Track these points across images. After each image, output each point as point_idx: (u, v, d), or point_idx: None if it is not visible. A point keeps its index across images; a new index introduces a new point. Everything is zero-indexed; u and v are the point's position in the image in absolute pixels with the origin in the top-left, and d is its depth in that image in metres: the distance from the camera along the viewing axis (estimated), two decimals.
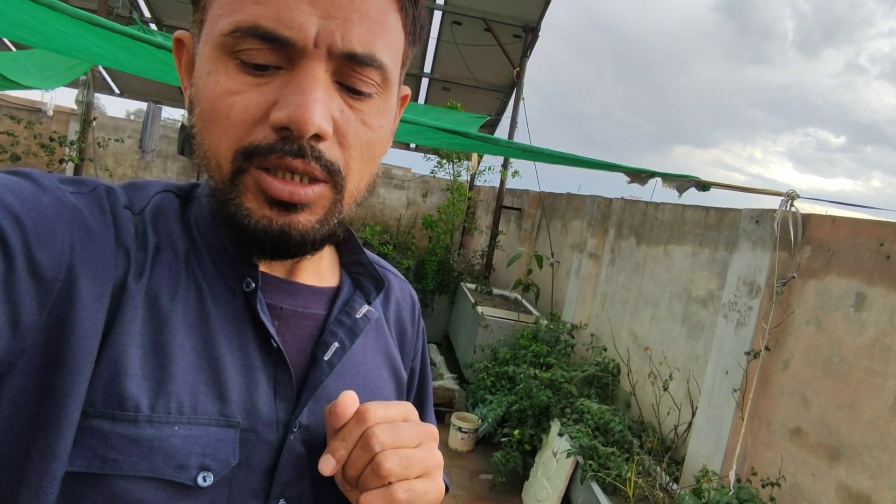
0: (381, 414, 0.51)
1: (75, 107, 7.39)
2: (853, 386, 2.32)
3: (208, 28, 0.49)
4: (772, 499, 2.45)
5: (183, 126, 9.88)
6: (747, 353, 2.72)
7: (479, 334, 5.04)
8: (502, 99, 8.83)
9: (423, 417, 0.74)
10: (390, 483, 0.49)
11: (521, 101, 7.13)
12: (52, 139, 7.20)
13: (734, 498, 2.37)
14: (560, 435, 3.51)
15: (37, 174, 0.49)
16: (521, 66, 7.24)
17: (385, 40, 0.50)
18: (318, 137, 0.48)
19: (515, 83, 7.26)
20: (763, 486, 2.48)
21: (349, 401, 0.50)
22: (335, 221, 0.52)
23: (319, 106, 0.47)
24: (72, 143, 6.92)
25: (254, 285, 0.54)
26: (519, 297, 6.21)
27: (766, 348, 2.70)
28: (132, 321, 0.48)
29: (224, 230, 0.54)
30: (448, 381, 5.05)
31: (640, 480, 2.94)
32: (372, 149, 0.53)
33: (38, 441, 0.43)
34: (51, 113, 9.83)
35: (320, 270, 0.63)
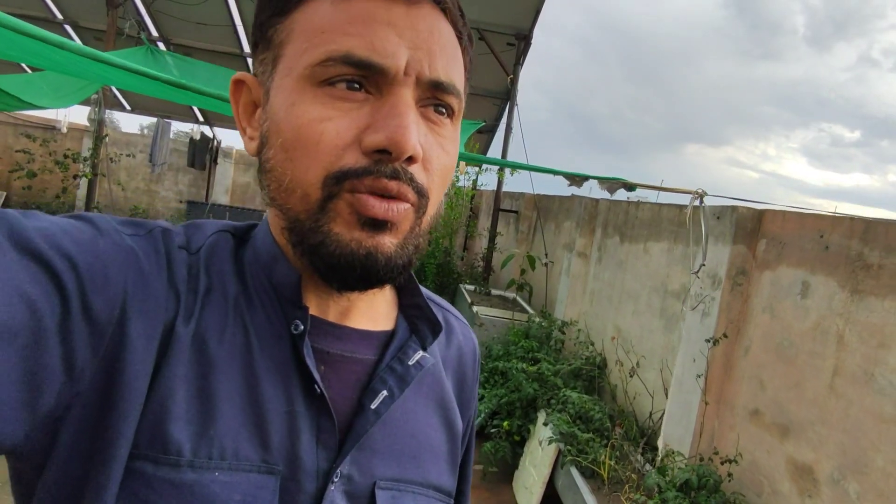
0: None
1: (88, 124, 7.72)
2: (799, 367, 2.50)
3: (288, 63, 0.50)
4: (730, 474, 2.63)
5: (192, 139, 10.20)
6: (707, 341, 2.91)
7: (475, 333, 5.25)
8: (499, 105, 9.04)
9: (463, 479, 0.73)
10: None
11: (516, 108, 7.36)
12: (66, 156, 7.51)
13: (694, 474, 2.55)
14: (545, 424, 3.70)
15: (96, 218, 0.49)
16: (515, 73, 7.45)
17: (458, 73, 0.53)
18: (410, 160, 0.49)
19: (510, 90, 7.49)
20: (722, 464, 2.66)
21: None
22: (412, 247, 0.52)
23: (414, 128, 0.48)
24: (85, 159, 7.23)
25: (302, 328, 0.53)
26: (517, 297, 6.41)
27: (725, 335, 2.89)
28: (179, 364, 0.48)
29: (292, 264, 0.54)
30: None
31: (613, 464, 3.13)
32: (448, 174, 0.55)
33: (90, 483, 0.43)
34: (65, 130, 10.19)
35: (375, 313, 0.61)
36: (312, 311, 0.56)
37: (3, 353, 0.39)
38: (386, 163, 0.48)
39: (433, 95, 0.51)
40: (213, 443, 0.47)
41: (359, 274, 0.50)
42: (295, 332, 0.53)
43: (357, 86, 0.49)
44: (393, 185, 0.48)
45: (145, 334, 0.46)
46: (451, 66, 0.52)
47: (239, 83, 0.57)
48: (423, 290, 0.66)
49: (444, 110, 0.53)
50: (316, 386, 0.52)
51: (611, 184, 2.97)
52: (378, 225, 0.49)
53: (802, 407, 2.45)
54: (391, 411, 0.57)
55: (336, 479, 0.52)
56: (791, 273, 2.64)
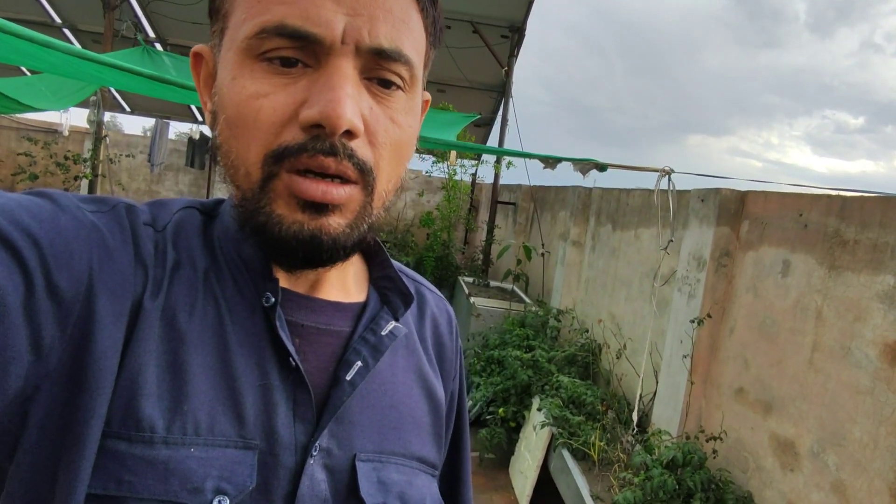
0: None
1: (88, 126, 7.80)
2: (781, 345, 2.54)
3: (230, 35, 0.49)
4: (714, 451, 2.67)
5: (191, 139, 10.27)
6: (692, 321, 2.95)
7: (472, 323, 5.31)
8: (496, 98, 9.08)
9: (458, 462, 0.73)
10: None
11: (511, 100, 7.40)
12: (66, 157, 7.58)
13: (679, 452, 2.60)
14: (539, 410, 3.75)
15: (56, 194, 0.48)
16: (510, 65, 7.49)
17: (410, 38, 0.50)
18: (349, 135, 0.47)
19: (505, 82, 7.53)
20: (707, 441, 2.71)
21: None
22: (365, 226, 0.51)
23: (350, 101, 0.46)
24: (85, 160, 7.30)
25: (273, 300, 0.52)
26: (514, 288, 6.47)
27: (709, 315, 2.93)
28: (149, 340, 0.47)
29: (252, 241, 0.52)
30: None
31: (604, 445, 3.18)
32: (401, 148, 0.52)
33: (63, 463, 0.42)
34: (66, 133, 10.28)
35: (346, 285, 0.61)
36: (283, 283, 0.55)
37: None
38: (323, 139, 0.46)
39: (378, 65, 0.48)
40: (188, 418, 0.46)
41: (302, 256, 0.49)
42: (266, 304, 0.52)
43: (297, 60, 0.47)
44: (330, 162, 0.46)
45: (113, 311, 0.45)
46: (398, 32, 0.49)
47: (197, 56, 0.55)
48: (395, 262, 0.66)
49: (392, 83, 0.50)
50: (291, 359, 0.51)
51: (582, 165, 3.03)
52: (319, 207, 0.48)
53: (784, 383, 2.49)
54: (369, 383, 0.56)
55: (315, 453, 0.51)
56: (773, 252, 2.68)
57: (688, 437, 2.83)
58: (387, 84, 0.50)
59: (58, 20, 8.33)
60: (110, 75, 3.47)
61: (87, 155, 7.56)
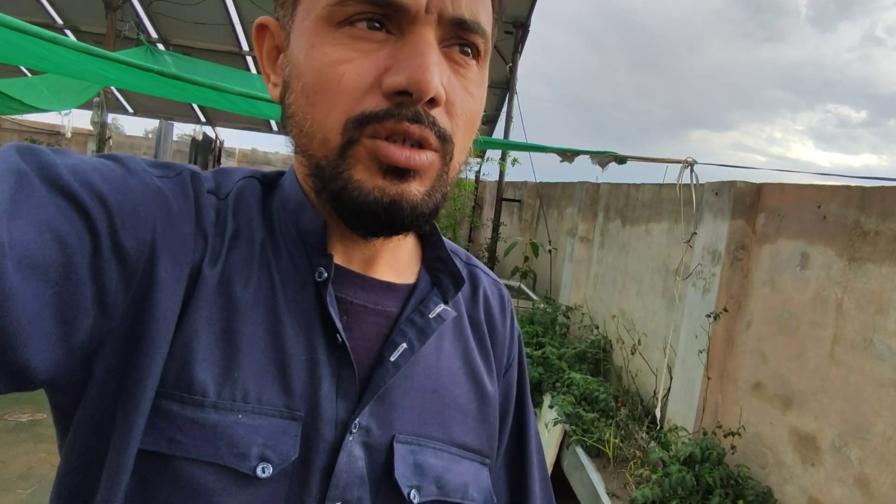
0: None
1: (92, 128, 7.78)
2: (800, 338, 2.51)
3: (308, 4, 0.49)
4: (733, 447, 2.64)
5: (194, 140, 10.25)
6: (708, 316, 2.92)
7: None
8: (500, 94, 9.04)
9: (522, 452, 0.69)
10: None
11: (516, 96, 7.36)
12: None
13: (697, 448, 2.57)
14: (551, 407, 3.72)
15: (127, 158, 0.49)
16: (514, 61, 7.44)
17: (485, 11, 0.51)
18: (432, 103, 0.47)
19: (509, 78, 7.48)
20: (725, 437, 2.67)
21: None
22: (440, 195, 0.51)
23: (436, 69, 0.46)
24: None
25: (326, 275, 0.52)
26: (521, 285, 6.43)
27: (725, 310, 2.89)
28: (205, 307, 0.48)
29: (327, 207, 0.52)
30: None
31: (619, 442, 3.15)
32: (474, 119, 0.53)
33: (117, 419, 0.44)
34: (69, 135, 10.28)
35: (399, 265, 0.60)
36: (337, 259, 0.55)
37: (37, 288, 0.39)
38: (407, 105, 0.46)
39: (457, 35, 0.49)
40: (237, 385, 0.47)
41: (383, 221, 0.49)
42: (319, 279, 0.53)
43: (378, 24, 0.47)
44: (415, 129, 0.47)
45: (174, 275, 0.46)
46: (476, 4, 0.49)
47: (262, 28, 0.55)
48: (448, 242, 0.65)
49: (469, 51, 0.50)
50: (338, 335, 0.52)
51: (601, 157, 2.98)
52: (401, 173, 0.48)
53: (804, 377, 2.46)
54: (413, 365, 0.56)
55: (354, 430, 0.51)
56: (790, 245, 2.64)
57: (705, 433, 2.80)
58: (464, 52, 0.50)
59: (59, 21, 8.30)
60: (115, 74, 3.44)
61: None
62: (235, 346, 0.48)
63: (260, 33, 0.55)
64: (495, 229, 7.49)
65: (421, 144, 0.48)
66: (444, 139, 0.49)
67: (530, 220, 7.45)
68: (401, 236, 0.56)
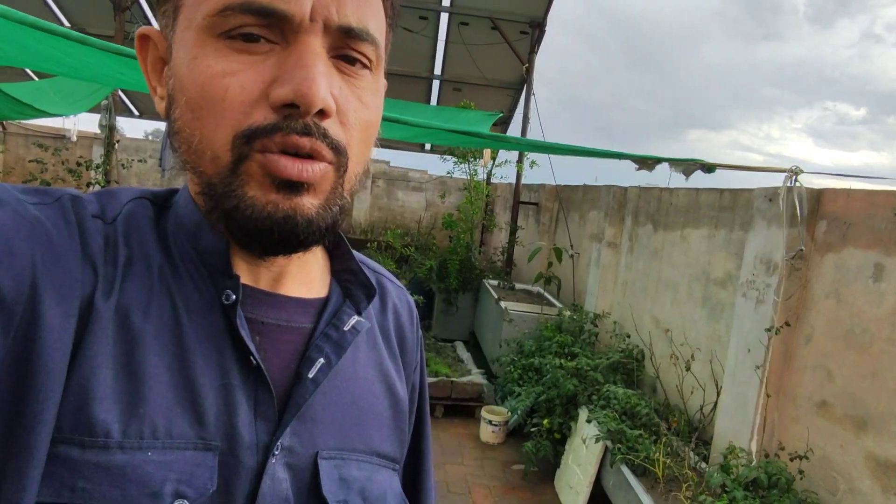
0: None
1: (98, 131, 7.63)
2: (876, 356, 2.34)
3: (188, 13, 0.47)
4: (800, 472, 2.47)
5: None
6: (768, 330, 2.75)
7: (503, 329, 5.11)
8: (513, 95, 8.88)
9: (420, 452, 0.72)
10: None
11: (532, 97, 7.20)
12: (78, 164, 7.43)
13: (762, 472, 2.40)
14: (588, 422, 3.56)
15: None
16: (530, 61, 7.29)
17: (375, 18, 0.50)
18: (322, 114, 0.46)
19: (525, 79, 7.32)
20: (791, 460, 2.51)
21: None
22: (336, 208, 0.50)
23: (323, 80, 0.45)
24: (97, 166, 7.15)
25: (234, 297, 0.50)
26: (542, 291, 6.26)
27: (787, 324, 2.73)
28: (101, 341, 0.45)
29: (218, 228, 0.50)
30: (476, 377, 5.12)
31: (668, 461, 2.98)
32: (369, 129, 0.51)
33: (8, 472, 0.40)
34: (74, 139, 10.13)
35: (310, 279, 0.59)
36: (244, 279, 0.53)
37: None
38: (296, 118, 0.45)
39: (345, 44, 0.48)
40: (144, 421, 0.45)
41: (277, 238, 0.47)
42: (227, 302, 0.50)
43: (261, 37, 0.45)
44: (305, 142, 0.45)
45: (61, 311, 0.43)
46: (363, 11, 0.48)
47: (144, 38, 0.52)
48: (356, 253, 0.64)
49: (360, 59, 0.49)
50: (252, 357, 0.50)
51: (686, 165, 2.81)
52: (294, 186, 0.46)
53: (882, 398, 2.29)
54: (330, 379, 0.55)
55: (277, 452, 0.50)
56: (860, 255, 2.47)
57: (766, 455, 2.63)
58: (352, 62, 0.49)
59: (67, 23, 8.17)
60: (129, 76, 3.29)
61: (98, 161, 7.39)
62: (139, 379, 0.45)
63: (143, 44, 0.53)
64: (513, 233, 7.32)
65: (313, 157, 0.46)
66: (338, 151, 0.48)
67: (548, 223, 7.28)
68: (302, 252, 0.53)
